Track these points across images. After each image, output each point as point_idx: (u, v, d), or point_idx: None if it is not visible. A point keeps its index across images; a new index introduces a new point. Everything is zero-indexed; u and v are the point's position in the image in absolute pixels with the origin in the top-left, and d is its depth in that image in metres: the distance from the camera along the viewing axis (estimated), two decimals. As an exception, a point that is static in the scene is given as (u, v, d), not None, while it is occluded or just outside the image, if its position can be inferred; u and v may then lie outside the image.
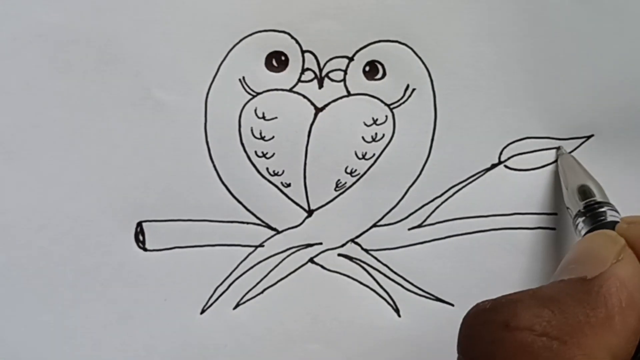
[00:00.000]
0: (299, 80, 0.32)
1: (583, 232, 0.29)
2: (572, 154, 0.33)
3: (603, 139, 0.33)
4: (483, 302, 0.23)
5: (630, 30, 0.32)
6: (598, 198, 0.30)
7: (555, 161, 0.33)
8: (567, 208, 0.31)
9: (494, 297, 0.32)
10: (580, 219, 0.29)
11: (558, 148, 0.33)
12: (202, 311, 0.33)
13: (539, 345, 0.21)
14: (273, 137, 0.32)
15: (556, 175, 0.33)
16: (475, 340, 0.23)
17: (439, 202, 0.33)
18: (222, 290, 0.33)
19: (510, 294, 0.23)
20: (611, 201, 0.32)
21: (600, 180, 0.32)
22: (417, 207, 0.33)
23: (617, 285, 0.22)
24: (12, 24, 0.30)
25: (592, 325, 0.21)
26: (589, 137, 0.33)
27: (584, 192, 0.30)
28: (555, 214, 0.33)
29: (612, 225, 0.27)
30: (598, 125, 0.32)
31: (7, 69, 0.31)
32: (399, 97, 0.32)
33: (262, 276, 0.33)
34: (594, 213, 0.29)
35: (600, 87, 0.32)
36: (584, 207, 0.29)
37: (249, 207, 0.32)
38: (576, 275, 0.23)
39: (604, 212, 0.29)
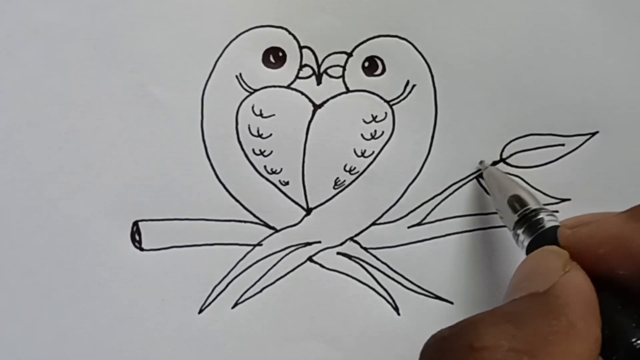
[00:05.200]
0: (297, 77, 0.31)
1: (525, 242, 0.28)
2: (578, 150, 0.32)
3: (608, 135, 0.32)
4: (440, 330, 0.22)
5: (635, 26, 0.31)
6: (532, 206, 0.29)
7: (546, 164, 0.32)
8: (501, 219, 0.30)
9: (493, 295, 0.33)
10: (520, 231, 0.28)
11: (480, 162, 0.32)
12: (200, 311, 0.32)
13: None
14: (271, 134, 0.31)
15: (558, 173, 0.32)
16: None
17: (439, 200, 0.32)
18: (220, 290, 0.32)
19: (467, 318, 0.22)
20: (615, 199, 0.32)
21: (604, 178, 0.32)
22: (416, 205, 0.32)
23: (574, 293, 0.22)
24: (8, 22, 0.30)
25: (558, 334, 0.21)
26: (594, 134, 0.32)
27: (516, 202, 0.29)
28: (556, 211, 0.33)
29: (553, 231, 0.26)
30: (603, 122, 0.32)
31: (2, 67, 0.30)
32: (399, 94, 0.32)
33: (260, 275, 0.33)
34: (532, 222, 0.28)
35: (605, 83, 0.32)
36: (520, 218, 0.28)
37: (246, 206, 0.32)
38: (528, 292, 0.22)
39: (541, 219, 0.28)
